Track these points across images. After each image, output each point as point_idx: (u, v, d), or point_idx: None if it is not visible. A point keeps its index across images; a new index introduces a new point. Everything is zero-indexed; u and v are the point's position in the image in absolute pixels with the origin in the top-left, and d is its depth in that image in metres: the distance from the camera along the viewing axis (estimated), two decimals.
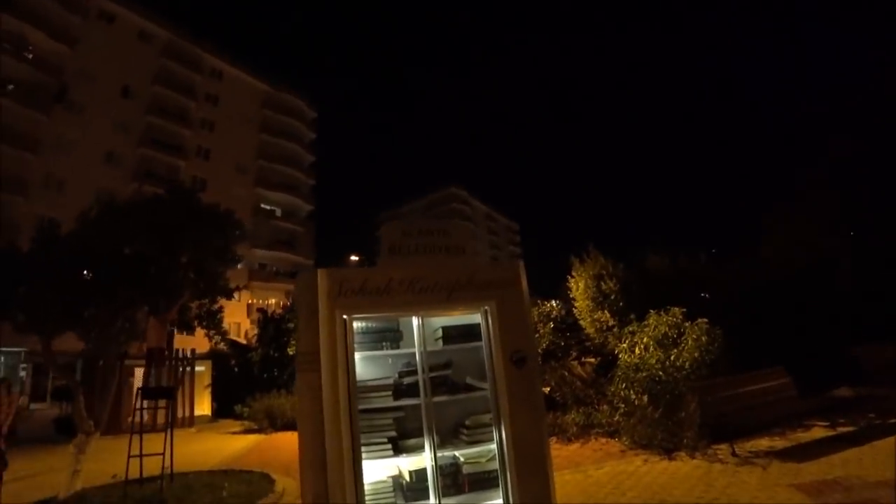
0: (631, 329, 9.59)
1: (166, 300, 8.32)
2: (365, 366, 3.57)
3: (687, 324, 9.24)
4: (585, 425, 9.29)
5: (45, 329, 8.27)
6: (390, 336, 3.46)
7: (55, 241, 8.50)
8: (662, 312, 9.24)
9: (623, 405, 8.47)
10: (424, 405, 3.13)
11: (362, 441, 3.03)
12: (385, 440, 3.23)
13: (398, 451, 3.26)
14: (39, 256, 8.21)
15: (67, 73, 33.15)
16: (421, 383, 3.19)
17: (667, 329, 9.34)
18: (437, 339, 3.58)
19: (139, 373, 13.80)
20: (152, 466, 6.92)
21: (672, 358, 8.79)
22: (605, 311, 11.05)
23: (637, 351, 9.34)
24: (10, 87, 31.34)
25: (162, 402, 8.34)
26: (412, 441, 3.30)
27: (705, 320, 9.06)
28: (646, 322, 9.30)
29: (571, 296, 12.05)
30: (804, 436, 7.38)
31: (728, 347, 8.81)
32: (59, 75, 32.80)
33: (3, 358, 24.57)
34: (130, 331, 9.04)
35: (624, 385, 8.60)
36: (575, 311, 11.88)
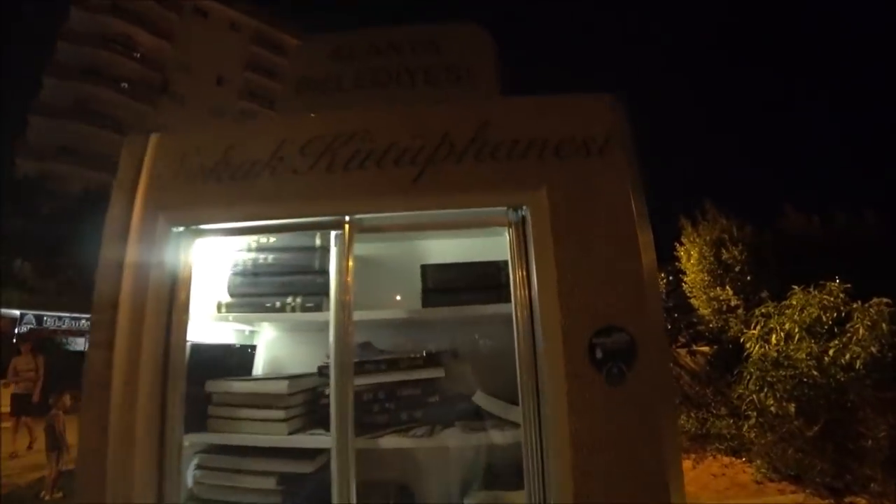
0: (764, 311, 7.32)
1: None
2: (275, 350, 1.90)
3: (855, 305, 6.62)
4: (699, 435, 7.17)
5: None
6: (307, 283, 1.68)
7: None
8: (813, 289, 6.71)
9: (755, 414, 6.24)
10: (336, 454, 1.32)
11: None
12: None
13: None
14: None
15: (169, 67, 36.08)
16: (333, 399, 1.36)
17: (819, 312, 6.81)
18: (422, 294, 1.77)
19: None
20: None
21: (832, 352, 6.32)
22: (727, 288, 8.70)
23: (773, 339, 6.99)
24: (124, 84, 34.98)
25: None
26: None
27: (886, 300, 6.38)
28: (787, 301, 6.87)
29: (681, 268, 9.77)
30: None
31: None
32: (162, 69, 35.82)
33: None
34: None
35: (757, 386, 6.46)
36: (685, 286, 9.57)
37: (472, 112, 1.45)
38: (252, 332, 1.97)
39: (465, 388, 1.67)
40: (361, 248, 1.99)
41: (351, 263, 1.40)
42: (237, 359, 1.78)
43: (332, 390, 1.34)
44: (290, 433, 1.52)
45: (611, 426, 1.24)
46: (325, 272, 1.52)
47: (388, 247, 1.96)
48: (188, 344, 1.42)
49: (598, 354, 1.29)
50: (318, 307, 1.63)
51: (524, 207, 1.40)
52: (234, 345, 1.87)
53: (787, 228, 9.97)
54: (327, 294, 1.52)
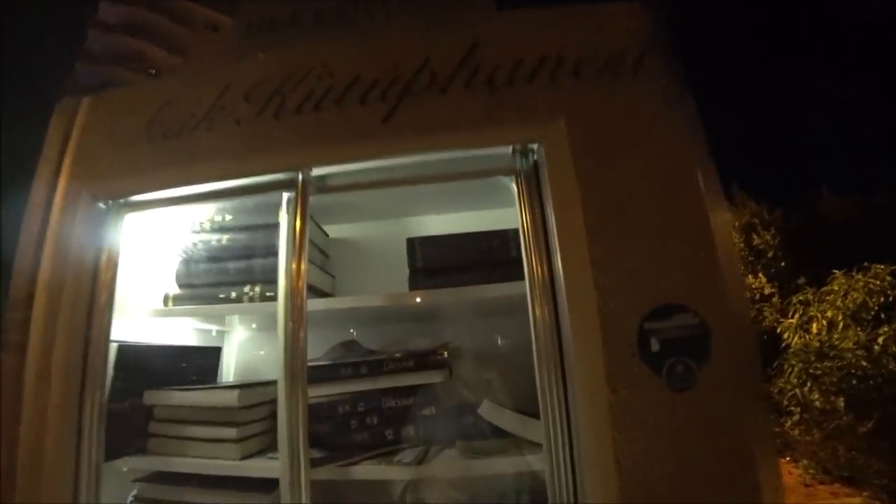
0: (802, 298, 6.85)
1: None
2: (248, 354, 1.66)
3: None
4: None
5: None
6: (268, 268, 1.35)
7: None
8: (855, 272, 6.33)
9: (798, 409, 5.88)
10: (287, 487, 0.99)
11: None
12: None
13: None
14: None
15: None
16: (281, 416, 1.02)
17: (865, 297, 6.44)
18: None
19: None
20: None
21: (881, 340, 5.94)
22: (760, 275, 8.32)
23: (814, 328, 6.63)
24: None
25: None
26: None
27: None
28: (828, 287, 6.50)
29: None
30: None
31: None
32: None
33: None
34: None
35: (799, 379, 5.92)
36: None
37: (460, 29, 1.10)
38: (220, 333, 1.70)
39: (470, 396, 1.33)
40: (343, 229, 1.73)
41: (307, 235, 1.08)
42: (194, 364, 1.50)
43: (280, 404, 1.03)
44: (244, 457, 1.21)
45: (675, 448, 0.86)
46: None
47: (374, 227, 1.67)
48: (114, 345, 1.15)
49: (654, 346, 0.90)
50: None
51: (535, 147, 1.05)
52: (187, 347, 1.57)
53: (823, 210, 9.50)
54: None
